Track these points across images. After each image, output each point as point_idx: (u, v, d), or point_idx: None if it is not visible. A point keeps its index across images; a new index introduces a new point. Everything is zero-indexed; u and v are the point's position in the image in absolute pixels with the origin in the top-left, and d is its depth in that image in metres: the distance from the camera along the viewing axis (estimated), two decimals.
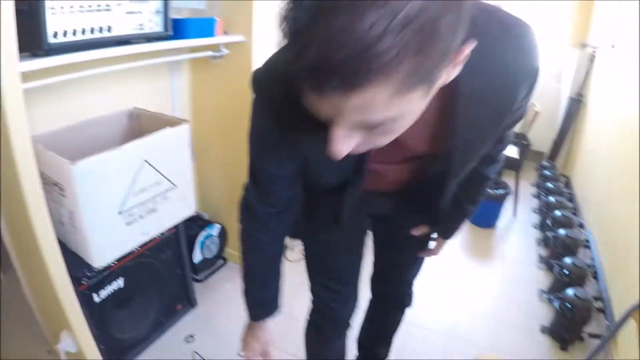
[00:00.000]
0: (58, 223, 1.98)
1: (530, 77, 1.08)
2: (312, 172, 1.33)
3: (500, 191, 4.25)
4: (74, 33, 1.84)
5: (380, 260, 2.01)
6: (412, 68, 0.67)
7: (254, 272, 1.56)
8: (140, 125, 2.53)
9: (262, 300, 1.60)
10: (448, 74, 0.81)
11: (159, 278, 2.61)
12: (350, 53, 0.64)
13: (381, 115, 0.75)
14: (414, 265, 1.97)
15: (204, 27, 2.52)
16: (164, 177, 2.28)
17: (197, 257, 3.06)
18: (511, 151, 4.80)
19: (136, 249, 2.35)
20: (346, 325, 2.01)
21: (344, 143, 0.82)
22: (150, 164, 2.17)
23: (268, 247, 1.52)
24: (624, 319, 1.68)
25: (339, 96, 0.70)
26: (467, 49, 0.80)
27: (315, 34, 0.66)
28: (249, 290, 1.59)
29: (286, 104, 1.00)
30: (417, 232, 1.74)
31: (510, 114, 1.14)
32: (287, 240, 3.44)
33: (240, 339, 1.66)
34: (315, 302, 1.94)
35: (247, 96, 2.80)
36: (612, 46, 4.58)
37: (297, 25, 0.68)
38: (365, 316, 2.32)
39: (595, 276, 3.45)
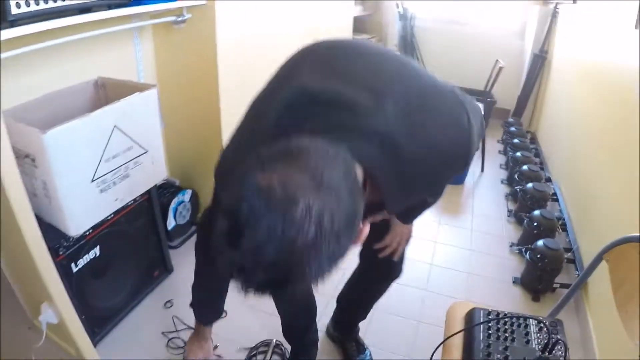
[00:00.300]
0: (32, 196, 1.96)
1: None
2: None
3: None
4: (37, 3, 1.83)
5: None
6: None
7: (208, 290, 1.73)
8: (106, 93, 2.51)
9: (213, 310, 1.79)
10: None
11: (134, 245, 2.62)
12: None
13: None
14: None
15: None
16: (135, 142, 2.28)
17: (171, 223, 3.07)
18: None
19: (110, 216, 2.35)
20: None
21: None
22: (120, 130, 2.16)
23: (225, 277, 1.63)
24: (597, 260, 1.73)
25: None
26: (366, 227, 1.01)
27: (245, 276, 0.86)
28: (200, 302, 1.76)
29: None
30: (372, 219, 1.76)
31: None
32: None
33: (186, 347, 1.83)
34: None
35: (211, 61, 2.79)
36: (574, 1, 4.63)
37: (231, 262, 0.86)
38: (350, 279, 2.33)
39: (564, 228, 3.51)
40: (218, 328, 2.56)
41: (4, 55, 1.85)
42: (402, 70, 1.13)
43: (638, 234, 1.56)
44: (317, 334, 2.38)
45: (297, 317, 2.24)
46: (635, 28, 2.78)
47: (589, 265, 1.75)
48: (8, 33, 1.72)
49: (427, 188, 1.38)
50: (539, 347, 1.57)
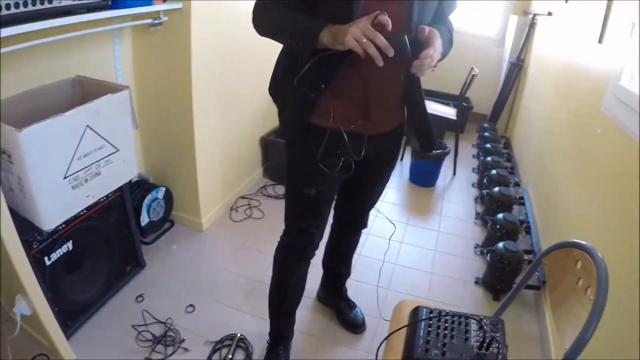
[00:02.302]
0: (8, 190, 2.05)
1: None
2: None
3: (439, 151, 4.39)
4: (17, 6, 1.92)
5: (349, 198, 2.33)
6: None
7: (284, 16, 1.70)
8: (83, 92, 2.58)
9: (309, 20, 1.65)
10: None
11: (107, 241, 2.70)
12: None
13: None
14: (375, 199, 2.40)
15: None
16: (107, 141, 2.36)
17: (145, 220, 3.15)
18: (450, 113, 4.94)
19: (83, 212, 2.43)
20: (316, 249, 2.24)
21: None
22: (93, 129, 2.24)
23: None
24: (536, 264, 1.83)
25: None
26: None
27: None
28: (291, 24, 1.68)
29: None
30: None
31: None
32: (231, 201, 3.54)
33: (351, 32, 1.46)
34: (295, 228, 2.16)
35: (185, 62, 2.89)
36: (549, 13, 4.75)
37: None
38: (328, 241, 2.58)
39: (528, 231, 3.62)
40: (185, 321, 2.66)
41: None
42: None
43: (572, 240, 1.66)
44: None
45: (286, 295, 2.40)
46: (599, 42, 2.89)
47: (528, 269, 1.85)
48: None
49: None
50: (477, 344, 1.67)
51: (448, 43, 1.80)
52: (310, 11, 1.64)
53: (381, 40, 1.42)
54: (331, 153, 1.88)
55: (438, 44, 1.60)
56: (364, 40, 1.43)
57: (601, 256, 1.47)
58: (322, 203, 2.09)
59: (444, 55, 1.72)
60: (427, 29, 1.56)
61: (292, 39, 1.68)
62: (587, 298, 1.50)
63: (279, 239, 2.26)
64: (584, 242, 1.58)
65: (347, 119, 1.83)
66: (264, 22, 1.77)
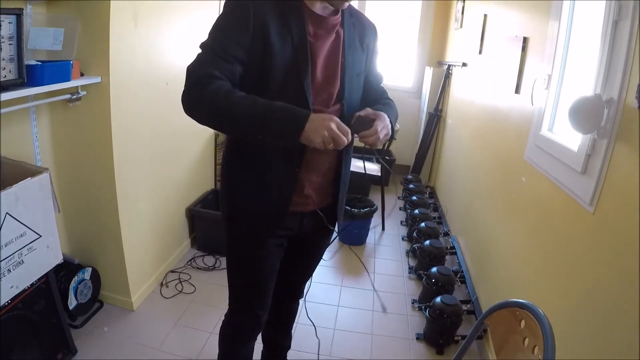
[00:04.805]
0: None
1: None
2: (267, 62, 1.65)
3: (366, 210, 4.42)
4: None
5: (288, 272, 2.28)
6: None
7: (243, 100, 1.55)
8: (1, 174, 2.49)
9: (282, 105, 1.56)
10: None
11: (35, 329, 2.55)
12: None
13: None
14: (313, 270, 2.47)
15: (60, 71, 2.54)
16: (28, 227, 2.26)
17: (72, 303, 3.00)
18: (374, 169, 4.99)
19: (8, 302, 2.29)
20: (263, 325, 2.25)
21: None
22: (12, 217, 2.15)
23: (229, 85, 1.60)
24: (479, 325, 1.82)
25: None
26: None
27: None
28: (262, 111, 1.54)
29: None
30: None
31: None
32: (161, 276, 3.44)
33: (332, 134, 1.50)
34: (242, 309, 2.18)
35: (106, 137, 2.82)
36: (464, 64, 4.88)
37: None
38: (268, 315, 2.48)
39: (463, 280, 3.64)
40: None
41: None
42: None
43: (514, 300, 1.65)
44: None
45: None
46: (516, 93, 2.97)
47: (471, 333, 1.84)
48: None
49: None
50: None
51: (395, 115, 2.02)
52: (260, 87, 1.66)
53: (343, 143, 1.53)
54: (274, 232, 1.94)
55: (383, 118, 1.77)
56: (330, 145, 1.51)
57: (544, 314, 1.46)
58: (267, 282, 2.10)
59: (393, 125, 1.88)
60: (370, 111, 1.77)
61: (270, 130, 1.55)
62: (536, 357, 1.49)
63: (222, 316, 2.25)
64: (525, 302, 1.58)
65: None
66: (210, 109, 1.57)
